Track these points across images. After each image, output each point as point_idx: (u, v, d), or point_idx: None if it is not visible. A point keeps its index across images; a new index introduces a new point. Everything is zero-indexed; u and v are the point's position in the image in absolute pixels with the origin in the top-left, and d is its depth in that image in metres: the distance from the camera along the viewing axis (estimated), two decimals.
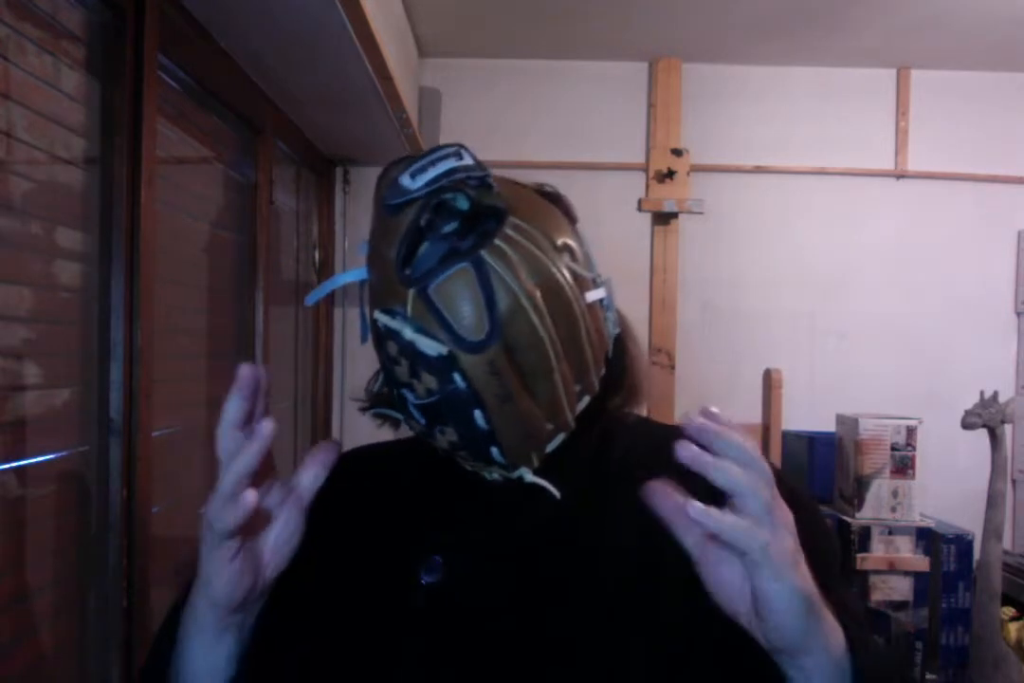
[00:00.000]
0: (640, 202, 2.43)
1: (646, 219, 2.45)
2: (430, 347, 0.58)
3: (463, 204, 0.60)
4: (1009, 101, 2.48)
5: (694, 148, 2.44)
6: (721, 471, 0.49)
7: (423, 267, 0.59)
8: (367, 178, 2.40)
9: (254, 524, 0.56)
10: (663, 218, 2.43)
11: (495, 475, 0.65)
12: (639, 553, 0.65)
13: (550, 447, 0.64)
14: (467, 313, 0.58)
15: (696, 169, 2.44)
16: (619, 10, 2.08)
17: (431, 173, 0.60)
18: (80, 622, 1.07)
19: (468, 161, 0.61)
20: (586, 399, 0.66)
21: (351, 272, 0.66)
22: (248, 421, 0.56)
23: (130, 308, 1.11)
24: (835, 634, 0.54)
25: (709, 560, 0.53)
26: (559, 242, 0.63)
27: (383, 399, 0.69)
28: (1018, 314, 2.48)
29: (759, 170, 2.46)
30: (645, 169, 2.45)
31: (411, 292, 0.59)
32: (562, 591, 0.65)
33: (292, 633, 0.66)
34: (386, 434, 0.73)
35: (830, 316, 2.47)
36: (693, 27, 2.20)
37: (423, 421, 0.62)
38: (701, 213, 2.40)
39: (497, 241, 0.59)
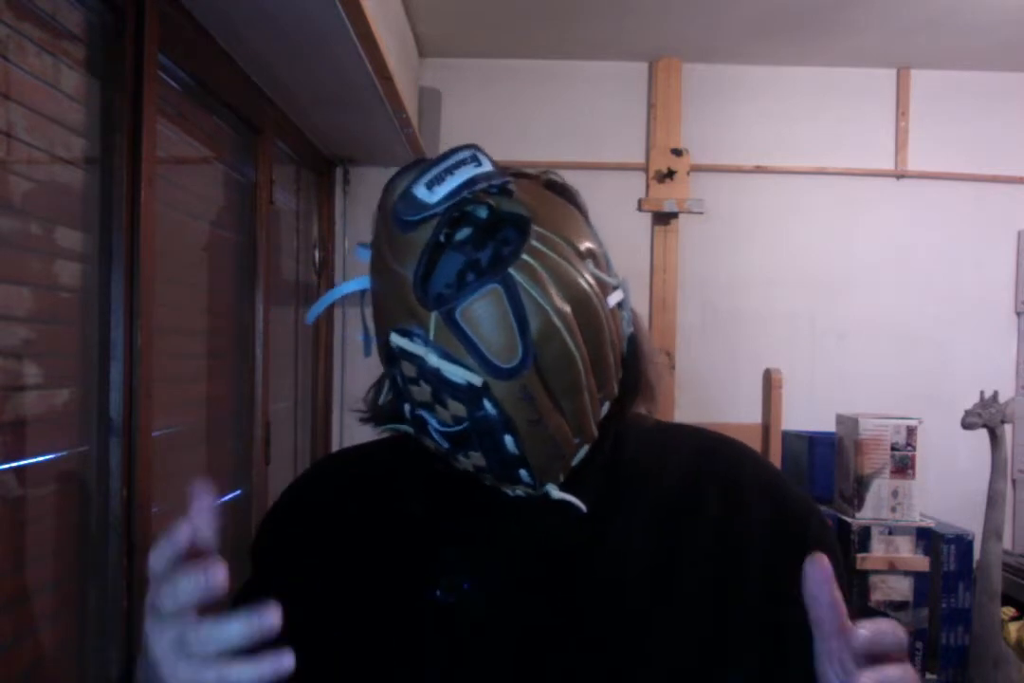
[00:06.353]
0: (640, 202, 2.43)
1: (646, 219, 2.45)
2: (458, 375, 0.54)
3: (483, 214, 0.56)
4: (1009, 101, 2.48)
5: (694, 148, 2.44)
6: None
7: (446, 287, 0.55)
8: (367, 178, 2.40)
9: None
10: (663, 218, 2.42)
11: (519, 492, 0.62)
12: (655, 558, 0.63)
13: (575, 460, 0.61)
14: (499, 338, 0.54)
15: (696, 169, 2.44)
16: (619, 10, 2.08)
17: (449, 184, 0.55)
18: (80, 622, 1.07)
19: (487, 167, 0.56)
20: (607, 405, 0.63)
21: (352, 282, 0.62)
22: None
23: (130, 308, 1.11)
24: None
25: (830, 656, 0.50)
26: (583, 248, 0.60)
27: (390, 412, 0.64)
28: (1018, 314, 2.48)
29: (759, 170, 2.46)
30: (645, 169, 2.45)
31: (433, 315, 0.54)
32: (585, 604, 0.62)
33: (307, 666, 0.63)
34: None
35: (830, 316, 2.46)
36: (693, 27, 2.20)
37: (447, 446, 0.59)
38: (701, 213, 2.40)
39: (524, 256, 0.55)
